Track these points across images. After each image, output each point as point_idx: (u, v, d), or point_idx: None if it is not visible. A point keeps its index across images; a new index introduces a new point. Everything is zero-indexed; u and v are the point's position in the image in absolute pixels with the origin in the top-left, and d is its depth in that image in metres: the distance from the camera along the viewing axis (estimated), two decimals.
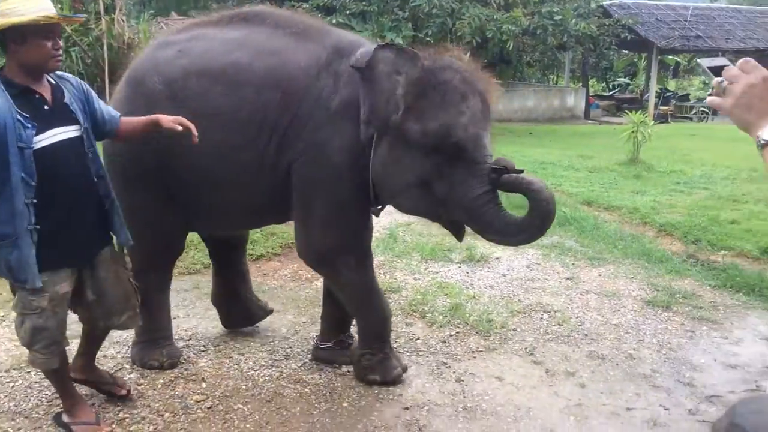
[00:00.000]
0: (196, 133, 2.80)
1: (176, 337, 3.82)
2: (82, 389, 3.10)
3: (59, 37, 2.55)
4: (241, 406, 3.16)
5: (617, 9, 21.59)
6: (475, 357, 3.71)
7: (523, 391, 3.34)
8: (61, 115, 2.63)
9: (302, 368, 3.54)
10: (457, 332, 4.03)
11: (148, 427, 2.95)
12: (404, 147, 2.86)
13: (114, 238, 2.92)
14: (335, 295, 3.46)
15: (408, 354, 3.72)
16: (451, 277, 5.05)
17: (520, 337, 3.99)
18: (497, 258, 5.49)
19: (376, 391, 3.30)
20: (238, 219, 3.51)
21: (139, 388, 3.28)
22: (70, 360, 3.02)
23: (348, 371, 3.51)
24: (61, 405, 2.95)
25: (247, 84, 3.06)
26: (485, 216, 2.86)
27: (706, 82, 26.93)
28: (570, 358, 3.73)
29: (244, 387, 3.32)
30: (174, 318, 3.76)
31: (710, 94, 1.28)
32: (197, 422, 3.00)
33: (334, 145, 2.99)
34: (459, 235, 3.12)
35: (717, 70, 1.25)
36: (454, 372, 3.53)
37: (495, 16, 14.63)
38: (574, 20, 15.63)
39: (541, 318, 4.29)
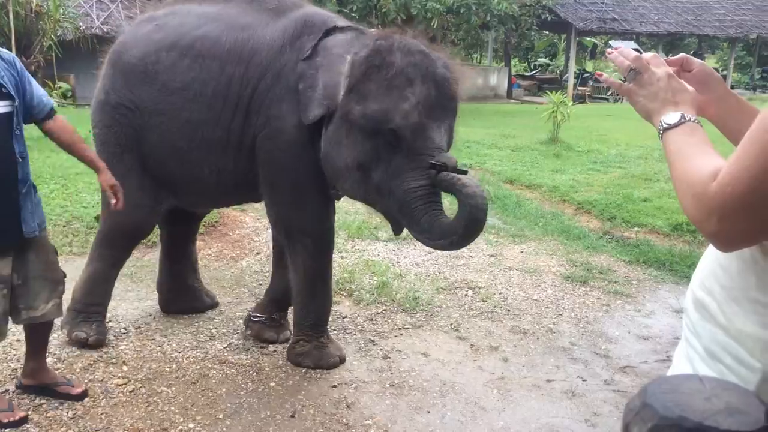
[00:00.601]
0: (114, 202, 2.86)
1: None
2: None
3: None
4: (165, 388, 3.08)
5: None
6: (401, 334, 3.76)
7: (449, 367, 3.41)
8: None
9: (228, 349, 3.49)
10: (384, 310, 4.07)
11: (67, 412, 2.84)
12: (347, 128, 2.80)
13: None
14: (283, 275, 3.42)
15: (335, 332, 3.72)
16: (378, 255, 5.08)
17: (446, 313, 4.06)
18: None
19: (303, 370, 3.30)
20: (212, 196, 3.47)
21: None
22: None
23: (275, 351, 3.49)
24: None
25: (214, 58, 3.02)
26: (414, 212, 2.72)
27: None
28: (493, 333, 3.83)
29: (167, 369, 3.25)
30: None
31: (622, 80, 1.33)
32: (119, 406, 2.92)
33: (291, 120, 2.94)
34: (396, 228, 3.00)
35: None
36: (381, 349, 3.56)
37: None
38: (496, 0, 15.82)
39: (466, 294, 4.38)
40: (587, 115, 14.64)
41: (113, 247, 3.44)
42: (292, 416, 2.91)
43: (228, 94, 3.01)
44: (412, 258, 5.05)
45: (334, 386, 3.17)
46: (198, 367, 3.29)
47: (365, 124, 2.73)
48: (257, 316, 3.58)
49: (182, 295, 3.85)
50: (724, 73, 23.64)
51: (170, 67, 3.07)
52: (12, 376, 3.08)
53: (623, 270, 5.02)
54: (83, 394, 2.94)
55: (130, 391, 3.04)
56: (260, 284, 4.36)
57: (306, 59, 2.91)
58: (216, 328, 3.72)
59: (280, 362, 3.37)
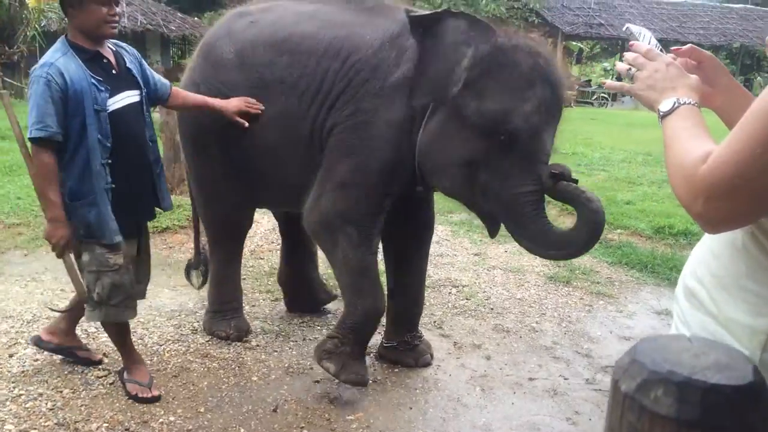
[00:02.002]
0: (258, 108, 2.97)
1: None
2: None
3: (116, 4, 2.68)
4: None
5: None
6: (384, 330, 3.75)
7: (433, 364, 3.41)
8: (126, 79, 2.79)
9: (210, 343, 3.47)
10: None
11: (46, 403, 2.81)
12: (457, 123, 2.65)
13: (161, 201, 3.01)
14: (403, 294, 3.35)
15: (319, 328, 3.72)
16: None
17: (430, 311, 4.06)
18: None
19: (286, 365, 3.29)
20: (299, 195, 3.11)
21: (36, 363, 3.12)
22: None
23: (257, 345, 3.47)
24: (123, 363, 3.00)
25: (310, 53, 2.97)
26: (523, 217, 2.63)
27: (608, 69, 28.20)
28: (477, 331, 3.84)
29: (149, 362, 3.21)
30: (73, 292, 3.58)
31: (617, 79, 1.35)
32: (98, 398, 2.89)
33: (381, 116, 2.82)
34: (492, 230, 2.91)
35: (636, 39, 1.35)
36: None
37: None
38: (484, 1, 15.92)
39: (450, 293, 4.39)
40: (572, 119, 14.64)
41: (223, 246, 3.53)
42: (275, 410, 2.90)
43: (319, 88, 2.93)
44: None
45: (317, 381, 3.16)
46: (179, 360, 3.27)
47: (480, 122, 2.59)
48: (388, 343, 3.42)
49: (303, 288, 3.87)
50: None
51: (266, 62, 3.03)
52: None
53: (606, 271, 5.06)
54: (100, 361, 3.17)
55: (110, 383, 3.01)
56: (257, 282, 4.33)
57: (408, 57, 2.78)
58: (198, 321, 3.69)
59: (263, 356, 3.36)
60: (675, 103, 1.18)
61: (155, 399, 2.88)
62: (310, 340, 3.59)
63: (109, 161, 2.67)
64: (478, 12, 15.74)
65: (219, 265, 3.53)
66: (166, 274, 4.41)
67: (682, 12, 25.98)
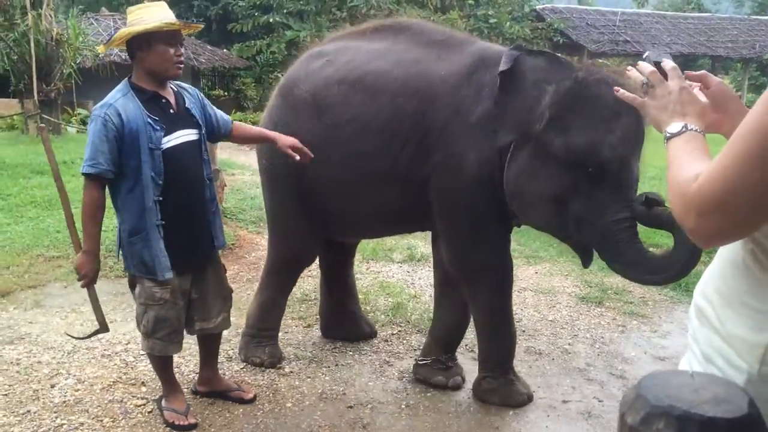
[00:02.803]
0: (309, 155, 2.98)
1: (114, 341, 3.75)
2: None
3: (181, 45, 2.79)
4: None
5: (549, 13, 22.19)
6: (417, 355, 3.77)
7: (465, 387, 3.41)
8: (184, 118, 2.86)
9: (244, 370, 3.52)
10: (399, 331, 4.09)
11: None
12: (543, 159, 2.72)
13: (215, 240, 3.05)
14: (445, 314, 3.42)
15: (351, 353, 3.75)
16: (393, 277, 5.12)
17: None
18: None
19: (319, 391, 3.32)
20: (370, 226, 3.52)
21: (77, 393, 3.20)
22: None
23: (291, 371, 3.51)
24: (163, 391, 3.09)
25: (385, 92, 3.04)
26: (618, 245, 2.65)
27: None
28: None
29: (185, 389, 3.27)
30: (111, 322, 3.68)
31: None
32: (137, 427, 2.95)
33: (471, 156, 2.88)
34: (586, 261, 2.92)
35: (657, 65, 1.35)
36: (396, 370, 3.58)
37: (432, 18, 14.83)
38: (508, 23, 16.04)
39: None
40: None
41: (280, 275, 3.61)
42: None
43: (398, 127, 2.99)
44: (426, 279, 5.07)
45: (350, 407, 3.18)
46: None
47: (568, 156, 2.65)
48: (423, 360, 3.48)
49: (342, 320, 3.92)
50: (739, 93, 23.57)
51: (340, 101, 3.11)
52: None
53: (638, 291, 5.01)
54: (254, 398, 3.21)
55: (149, 412, 3.08)
56: (290, 309, 4.39)
57: (488, 93, 2.84)
58: (233, 349, 3.75)
59: (296, 383, 3.40)
60: (683, 127, 1.22)
61: (192, 426, 2.94)
62: (342, 365, 3.62)
63: (161, 198, 2.73)
64: (502, 34, 15.84)
65: (270, 292, 3.59)
66: None
67: (709, 26, 25.72)
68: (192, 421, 2.96)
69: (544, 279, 5.18)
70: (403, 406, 3.21)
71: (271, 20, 16.99)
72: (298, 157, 2.97)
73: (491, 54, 2.98)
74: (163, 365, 3.04)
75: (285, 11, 17.02)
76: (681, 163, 1.16)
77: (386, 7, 15.00)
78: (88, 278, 2.81)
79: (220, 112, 3.12)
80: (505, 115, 2.79)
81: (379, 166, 3.05)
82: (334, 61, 3.22)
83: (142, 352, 3.65)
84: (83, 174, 2.72)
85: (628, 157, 2.65)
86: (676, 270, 2.56)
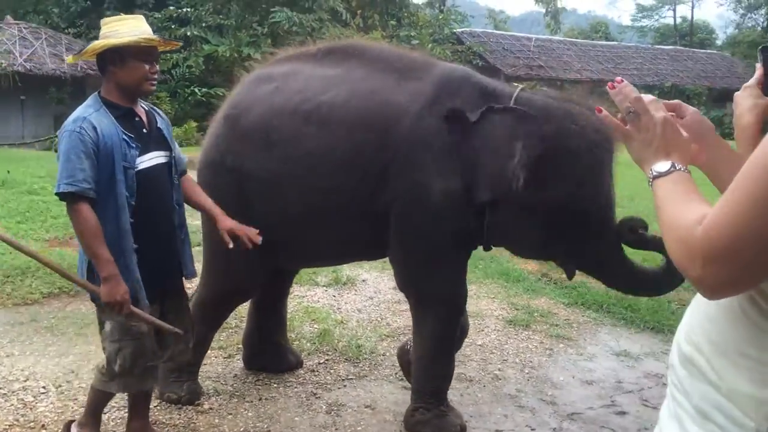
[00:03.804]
0: (249, 244, 2.76)
1: (11, 377, 3.41)
2: None
3: (157, 61, 2.63)
4: None
5: (468, 36, 22.74)
6: (345, 385, 3.61)
7: (397, 419, 3.27)
8: (156, 139, 2.69)
9: (158, 408, 3.24)
10: (326, 359, 3.91)
11: None
12: (526, 213, 2.76)
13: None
14: None
15: (276, 385, 3.54)
16: (318, 302, 4.93)
17: (390, 361, 3.94)
18: (363, 280, 5.45)
19: (242, 428, 3.10)
20: (324, 257, 3.49)
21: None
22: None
23: (210, 408, 3.27)
24: (79, 418, 2.82)
25: (341, 125, 2.89)
26: (609, 268, 2.85)
27: None
28: None
29: None
30: (8, 356, 3.35)
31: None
32: None
33: (437, 187, 2.82)
34: (570, 274, 3.06)
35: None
36: (324, 402, 3.40)
37: (354, 37, 14.82)
38: (430, 45, 16.25)
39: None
40: None
41: (216, 309, 3.36)
42: None
43: (356, 160, 2.88)
44: (353, 304, 4.93)
45: None
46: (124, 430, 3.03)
47: (550, 209, 2.72)
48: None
49: (267, 350, 3.66)
50: None
51: (293, 135, 2.93)
52: None
53: (563, 312, 5.04)
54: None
55: None
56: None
57: (466, 136, 2.80)
58: None
59: (216, 420, 3.16)
60: (671, 167, 1.13)
61: None
62: (266, 399, 3.40)
63: (131, 221, 2.53)
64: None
65: (202, 329, 3.24)
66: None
67: (617, 53, 27.02)
68: None
69: (471, 301, 5.08)
70: None
71: (188, 33, 16.54)
72: (231, 245, 2.75)
73: (454, 79, 2.97)
74: (102, 401, 2.80)
75: (204, 25, 16.62)
76: (677, 207, 1.06)
77: (309, 25, 14.87)
78: (126, 302, 2.46)
79: (179, 149, 2.89)
80: (478, 173, 2.78)
81: (336, 200, 2.94)
82: (284, 89, 3.05)
83: (43, 390, 3.35)
84: (60, 194, 2.43)
85: (607, 197, 2.79)
86: (669, 284, 2.80)
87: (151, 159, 2.63)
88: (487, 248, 3.14)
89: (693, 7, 41.20)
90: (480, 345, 4.30)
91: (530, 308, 5.01)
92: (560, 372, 3.99)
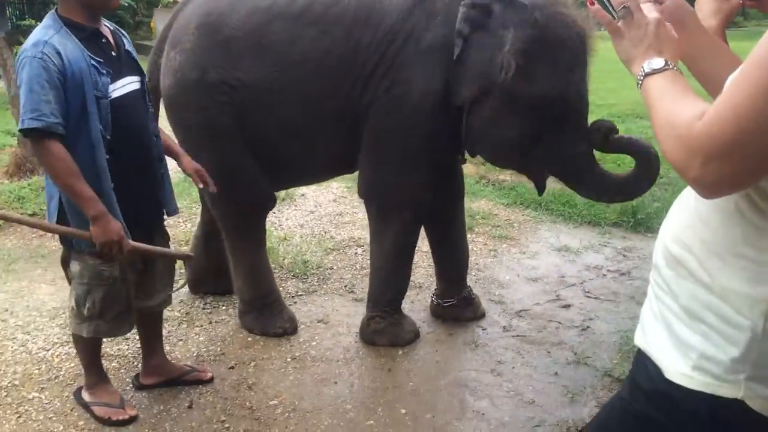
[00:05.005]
0: (213, 188, 2.62)
1: None
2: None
3: None
4: (36, 394, 2.73)
5: None
6: (296, 302, 3.58)
7: (351, 332, 3.28)
8: (127, 63, 2.40)
9: (107, 342, 3.12)
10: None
11: None
12: (509, 107, 2.68)
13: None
14: (453, 252, 3.40)
15: (224, 308, 3.48)
16: None
17: (338, 275, 3.92)
18: (302, 194, 5.34)
19: (195, 354, 3.04)
20: (316, 171, 3.29)
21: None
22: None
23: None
24: (84, 381, 2.65)
25: (336, 24, 2.69)
26: (580, 172, 2.81)
27: None
28: None
29: (36, 371, 2.88)
30: None
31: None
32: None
33: (417, 86, 2.72)
34: (541, 190, 3.03)
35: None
36: None
37: None
38: None
39: (356, 253, 4.25)
40: None
41: (247, 232, 3.19)
42: (190, 407, 2.67)
43: (354, 62, 2.73)
44: (294, 219, 4.84)
45: (232, 368, 2.95)
46: (72, 365, 2.93)
47: (536, 103, 2.64)
48: (448, 301, 3.42)
49: (215, 275, 3.49)
50: None
51: (286, 38, 2.70)
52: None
53: (503, 213, 5.11)
54: (212, 378, 2.84)
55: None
56: None
57: (440, 21, 2.71)
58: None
59: (167, 347, 3.06)
60: (665, 64, 1.08)
61: (133, 419, 2.56)
62: (216, 322, 3.34)
63: (107, 158, 2.25)
64: None
65: (248, 256, 3.17)
66: (41, 267, 3.97)
67: None
68: (132, 413, 2.58)
69: None
70: (288, 359, 3.02)
71: None
72: (201, 185, 2.60)
73: None
74: (93, 349, 2.60)
75: None
76: (673, 104, 1.01)
77: None
78: (123, 239, 2.25)
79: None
80: (466, 65, 2.68)
81: (333, 105, 2.81)
82: None
83: None
84: (24, 131, 2.15)
85: (586, 90, 2.75)
86: (641, 187, 2.76)
87: (124, 86, 2.34)
88: (462, 158, 3.10)
89: None
90: (425, 251, 4.27)
91: (471, 211, 5.03)
92: (506, 271, 4.07)
